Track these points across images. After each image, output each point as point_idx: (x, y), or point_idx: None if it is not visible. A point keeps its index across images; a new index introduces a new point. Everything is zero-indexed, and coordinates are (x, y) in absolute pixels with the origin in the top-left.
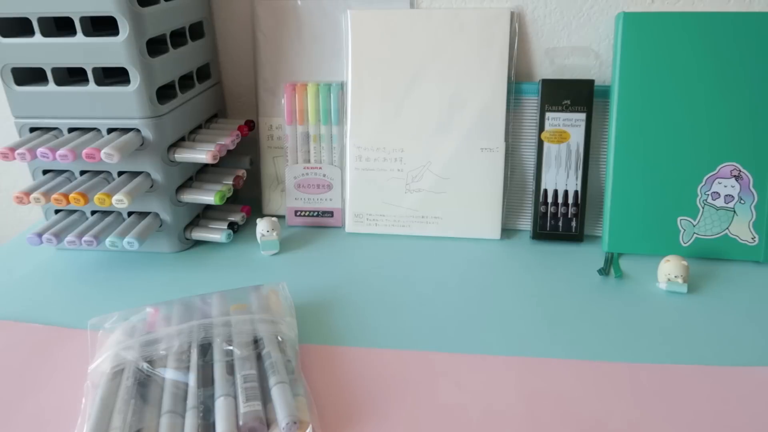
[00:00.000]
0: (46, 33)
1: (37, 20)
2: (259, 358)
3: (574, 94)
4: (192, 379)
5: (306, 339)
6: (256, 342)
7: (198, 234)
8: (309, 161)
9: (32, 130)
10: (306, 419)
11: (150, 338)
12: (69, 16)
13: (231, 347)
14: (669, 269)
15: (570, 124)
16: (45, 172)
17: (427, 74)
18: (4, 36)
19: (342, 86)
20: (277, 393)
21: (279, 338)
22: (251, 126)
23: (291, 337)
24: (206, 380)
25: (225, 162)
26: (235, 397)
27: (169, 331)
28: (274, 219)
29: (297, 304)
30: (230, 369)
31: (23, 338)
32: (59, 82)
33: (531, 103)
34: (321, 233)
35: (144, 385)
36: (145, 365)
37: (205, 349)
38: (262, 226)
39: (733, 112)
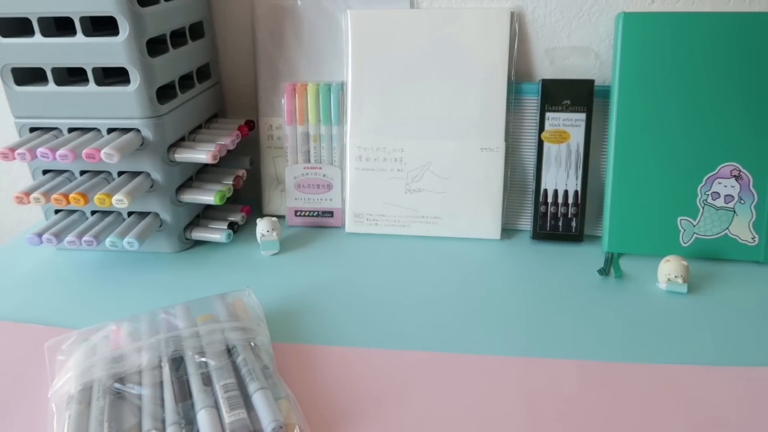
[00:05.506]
0: (46, 33)
1: (37, 20)
2: (234, 366)
3: (574, 94)
4: (168, 394)
5: (306, 339)
6: (229, 351)
7: (198, 234)
8: (309, 161)
9: (32, 130)
10: (292, 422)
11: (116, 354)
12: (69, 16)
13: (204, 359)
14: (669, 269)
15: (570, 124)
16: (45, 172)
17: (427, 74)
18: (4, 36)
19: (342, 86)
20: (258, 399)
21: (252, 344)
22: (251, 126)
23: (264, 342)
24: (183, 394)
25: (225, 162)
26: (218, 408)
27: (135, 347)
28: (274, 219)
29: (297, 304)
30: (207, 380)
31: (23, 338)
32: (59, 82)
33: (531, 103)
34: (321, 233)
35: (118, 404)
36: (116, 384)
37: (177, 363)
38: (262, 226)
39: (733, 112)
